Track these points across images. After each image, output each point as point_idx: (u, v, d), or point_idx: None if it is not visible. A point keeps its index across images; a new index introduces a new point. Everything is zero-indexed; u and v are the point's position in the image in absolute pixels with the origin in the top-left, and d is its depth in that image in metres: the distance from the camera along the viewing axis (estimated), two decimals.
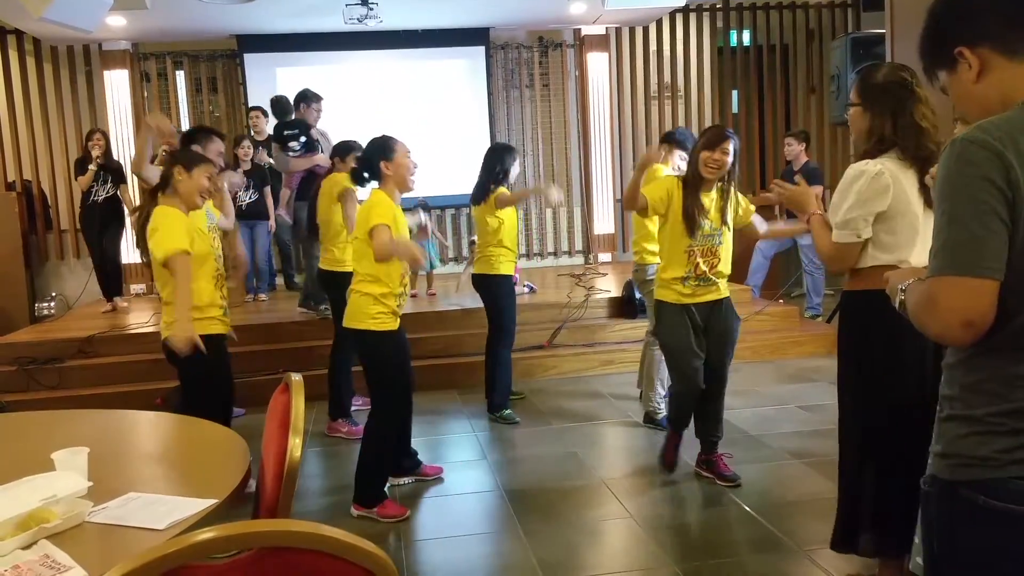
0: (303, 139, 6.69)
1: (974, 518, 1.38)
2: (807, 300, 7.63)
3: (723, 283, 3.95)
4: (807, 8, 9.44)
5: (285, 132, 6.78)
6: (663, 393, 4.81)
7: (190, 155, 3.66)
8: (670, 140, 4.88)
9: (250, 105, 8.07)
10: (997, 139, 1.31)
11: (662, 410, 4.80)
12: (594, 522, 3.69)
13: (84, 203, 7.12)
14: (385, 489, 3.87)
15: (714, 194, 3.86)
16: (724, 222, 3.87)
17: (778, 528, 3.47)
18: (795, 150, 7.44)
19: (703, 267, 3.83)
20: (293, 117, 6.91)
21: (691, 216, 3.79)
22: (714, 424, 4.05)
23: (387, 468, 3.93)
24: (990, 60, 1.42)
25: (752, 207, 4.04)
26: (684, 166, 4.27)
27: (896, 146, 2.61)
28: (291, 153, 6.56)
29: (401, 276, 3.73)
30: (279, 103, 7.15)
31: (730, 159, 3.77)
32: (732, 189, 3.88)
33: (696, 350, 3.90)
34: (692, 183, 3.82)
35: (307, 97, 6.89)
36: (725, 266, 3.92)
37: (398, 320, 3.75)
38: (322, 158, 6.48)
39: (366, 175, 3.80)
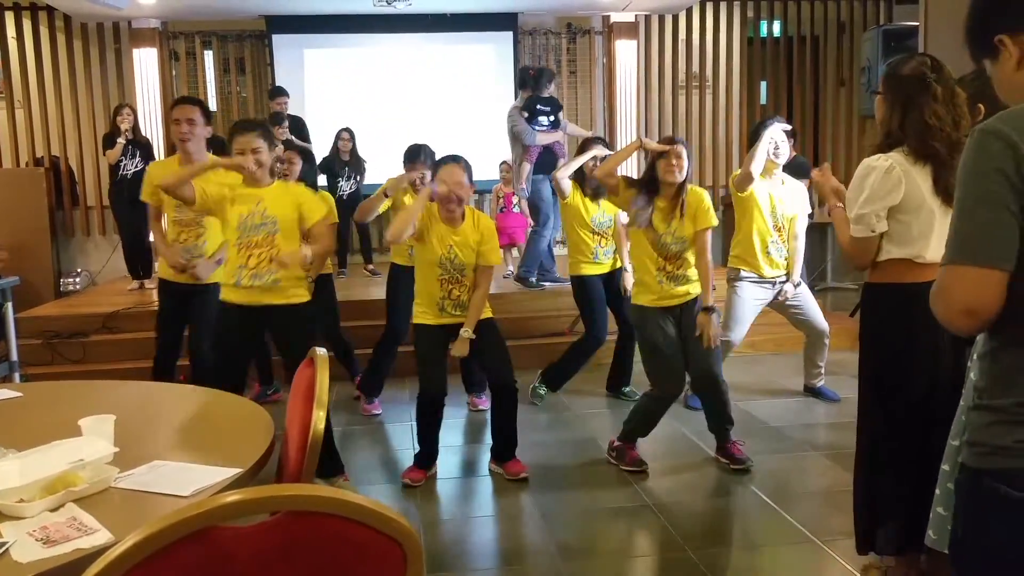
0: (552, 118, 6.73)
1: (997, 507, 1.39)
2: None
3: (693, 286, 3.94)
4: None
5: (538, 107, 6.74)
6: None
7: None
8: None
9: (277, 86, 8.03)
10: (1014, 129, 1.31)
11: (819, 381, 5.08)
12: (611, 507, 3.70)
13: (113, 179, 7.13)
14: None
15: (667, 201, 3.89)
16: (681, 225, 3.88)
17: (795, 518, 3.45)
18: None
19: (669, 267, 3.90)
20: (545, 94, 6.86)
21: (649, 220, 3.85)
22: (720, 414, 4.03)
23: None
24: None
25: (710, 221, 3.89)
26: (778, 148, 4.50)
27: (903, 141, 2.58)
28: (538, 127, 6.61)
29: None
30: (539, 76, 7.06)
31: (685, 163, 3.82)
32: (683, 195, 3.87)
33: (677, 352, 3.93)
34: (650, 187, 3.87)
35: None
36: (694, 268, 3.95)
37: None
38: (562, 135, 6.72)
39: None
